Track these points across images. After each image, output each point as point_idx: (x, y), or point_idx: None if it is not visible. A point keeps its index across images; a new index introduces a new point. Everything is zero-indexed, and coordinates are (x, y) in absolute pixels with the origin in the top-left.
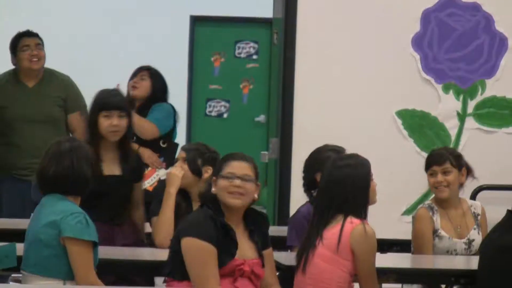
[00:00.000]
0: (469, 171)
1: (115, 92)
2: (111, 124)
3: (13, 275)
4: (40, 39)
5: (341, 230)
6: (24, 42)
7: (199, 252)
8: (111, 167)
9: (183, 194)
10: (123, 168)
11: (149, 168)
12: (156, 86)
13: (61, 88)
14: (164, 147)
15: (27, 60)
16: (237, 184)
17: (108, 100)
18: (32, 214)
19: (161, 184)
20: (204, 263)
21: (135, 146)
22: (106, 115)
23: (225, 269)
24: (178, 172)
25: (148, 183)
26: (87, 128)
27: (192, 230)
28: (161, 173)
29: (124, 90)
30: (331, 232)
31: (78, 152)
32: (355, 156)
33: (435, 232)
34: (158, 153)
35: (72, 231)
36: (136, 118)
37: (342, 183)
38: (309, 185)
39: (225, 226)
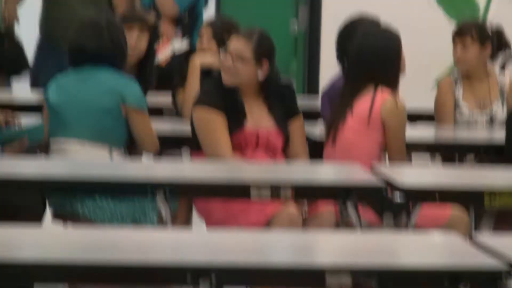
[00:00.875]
0: (501, 46)
1: None
2: None
3: None
4: None
5: (372, 103)
6: None
7: (206, 119)
8: None
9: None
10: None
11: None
12: None
13: None
14: (183, 18)
15: None
16: (227, 62)
17: None
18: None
19: (175, 60)
20: (212, 129)
21: (152, 16)
22: None
23: (235, 138)
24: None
25: (163, 55)
26: None
27: (200, 98)
28: (176, 46)
29: None
30: (361, 104)
31: (115, 27)
32: (386, 28)
33: (456, 103)
34: (176, 24)
35: (137, 101)
36: None
37: (374, 54)
38: (341, 54)
39: (232, 93)
